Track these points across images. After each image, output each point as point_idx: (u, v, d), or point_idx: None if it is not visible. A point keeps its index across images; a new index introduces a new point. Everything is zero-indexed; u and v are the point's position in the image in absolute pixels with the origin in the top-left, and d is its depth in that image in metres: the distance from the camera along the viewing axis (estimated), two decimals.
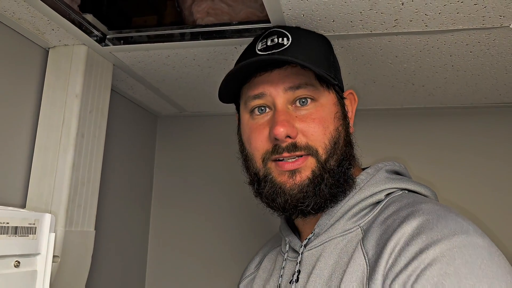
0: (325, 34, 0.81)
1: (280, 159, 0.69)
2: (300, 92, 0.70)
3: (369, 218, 0.68)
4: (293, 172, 0.68)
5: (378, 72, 0.99)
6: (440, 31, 0.78)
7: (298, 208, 0.68)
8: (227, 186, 1.38)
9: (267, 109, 0.72)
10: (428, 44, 0.84)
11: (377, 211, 0.68)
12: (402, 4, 0.70)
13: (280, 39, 0.73)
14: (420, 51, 0.87)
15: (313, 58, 0.72)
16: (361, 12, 0.73)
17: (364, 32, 0.80)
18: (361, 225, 0.68)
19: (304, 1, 0.70)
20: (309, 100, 0.70)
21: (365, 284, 0.59)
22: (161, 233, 1.40)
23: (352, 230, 0.68)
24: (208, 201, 1.39)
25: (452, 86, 1.07)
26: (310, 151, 0.68)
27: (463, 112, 1.25)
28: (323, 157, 0.69)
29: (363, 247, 0.63)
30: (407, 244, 0.57)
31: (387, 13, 0.73)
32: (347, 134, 0.73)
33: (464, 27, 0.76)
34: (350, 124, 0.76)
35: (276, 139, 0.68)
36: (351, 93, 0.79)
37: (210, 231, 1.37)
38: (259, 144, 0.71)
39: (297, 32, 0.76)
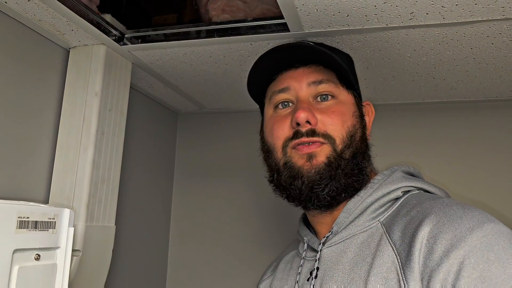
0: (340, 28, 0.80)
1: (299, 144, 0.71)
2: (322, 88, 0.74)
3: (389, 213, 0.70)
4: (310, 156, 0.70)
5: (396, 66, 0.97)
6: (458, 23, 0.76)
7: (314, 190, 0.70)
8: (248, 182, 1.38)
9: (290, 104, 0.76)
10: (447, 36, 0.82)
11: (396, 206, 0.70)
12: None
13: (305, 42, 0.78)
14: (439, 44, 0.85)
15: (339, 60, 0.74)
16: (375, 6, 0.72)
17: (380, 26, 0.78)
18: (381, 220, 0.69)
19: None
20: (329, 97, 0.74)
21: (400, 273, 0.60)
22: (182, 229, 1.42)
23: (372, 225, 0.70)
24: (229, 197, 1.40)
25: (475, 80, 1.04)
26: (328, 139, 0.71)
27: (488, 105, 1.21)
28: (340, 147, 0.71)
29: (389, 239, 0.65)
30: (440, 231, 0.58)
31: (402, 6, 0.71)
32: (364, 134, 0.76)
33: (483, 19, 0.74)
34: (367, 129, 0.79)
35: (297, 124, 0.71)
36: (368, 104, 0.83)
37: (231, 227, 1.38)
38: (280, 133, 0.74)
39: (322, 44, 0.83)
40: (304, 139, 0.71)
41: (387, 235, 0.66)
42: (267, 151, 0.78)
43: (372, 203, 0.71)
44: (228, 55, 0.96)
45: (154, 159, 1.34)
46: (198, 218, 1.41)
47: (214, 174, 1.43)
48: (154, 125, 1.35)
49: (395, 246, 0.63)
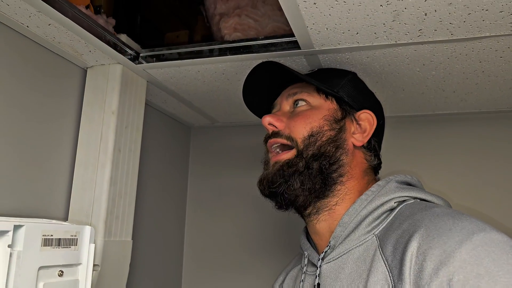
0: (350, 46, 0.82)
1: (271, 148, 0.81)
2: (296, 97, 0.83)
3: (383, 225, 0.70)
4: (275, 162, 0.79)
5: (406, 80, 0.99)
6: (466, 38, 0.77)
7: (271, 190, 0.77)
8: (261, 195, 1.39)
9: None
10: (456, 51, 0.83)
11: (390, 218, 0.70)
12: (425, 15, 0.70)
13: (274, 62, 0.86)
14: (448, 58, 0.87)
15: (320, 78, 0.85)
16: (384, 24, 0.74)
17: (389, 43, 0.80)
18: (376, 233, 0.70)
19: (327, 16, 0.72)
20: (301, 102, 0.82)
21: None
22: (195, 242, 1.43)
23: (367, 239, 0.70)
24: (242, 208, 1.41)
25: (485, 91, 1.05)
26: (291, 141, 0.78)
27: (499, 116, 1.22)
28: (301, 146, 0.77)
29: (382, 254, 0.65)
30: (429, 247, 0.57)
31: (411, 24, 0.73)
32: (337, 138, 0.78)
33: (491, 34, 0.75)
34: (358, 137, 0.80)
35: (265, 127, 0.82)
36: (367, 112, 0.82)
37: (245, 239, 1.39)
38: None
39: (326, 68, 0.94)
40: (271, 140, 0.80)
41: (380, 249, 0.66)
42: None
43: (366, 216, 0.71)
44: (240, 72, 0.98)
45: (168, 173, 1.37)
46: (212, 231, 1.43)
47: (227, 186, 1.45)
48: (168, 139, 1.38)
49: (387, 262, 0.63)
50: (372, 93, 0.90)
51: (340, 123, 0.80)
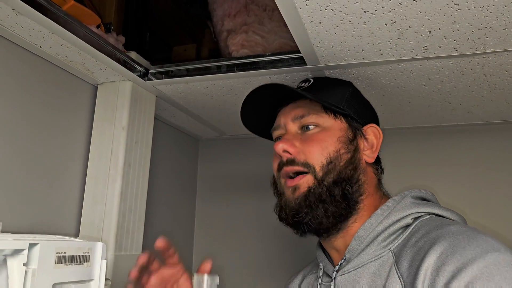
0: (355, 62, 0.83)
1: (292, 176, 0.76)
2: (305, 120, 0.79)
3: (399, 241, 0.70)
4: (294, 188, 0.76)
5: (412, 93, 1.00)
6: (471, 54, 0.78)
7: (295, 219, 0.74)
8: (269, 205, 1.40)
9: None
10: (461, 66, 0.84)
11: (406, 234, 0.71)
12: (430, 32, 0.71)
13: (304, 83, 0.84)
14: (453, 72, 0.87)
15: (322, 93, 0.81)
16: (389, 41, 0.75)
17: (394, 59, 0.81)
18: (392, 248, 0.70)
19: (332, 34, 0.73)
20: (312, 126, 0.78)
21: None
22: (204, 253, 1.44)
23: (383, 254, 0.70)
24: (250, 220, 1.42)
25: (491, 104, 1.05)
26: (309, 168, 0.75)
27: (505, 127, 1.22)
28: (320, 174, 0.74)
29: (397, 270, 0.65)
30: (442, 264, 0.58)
31: (415, 41, 0.74)
32: (354, 159, 0.77)
33: (495, 50, 0.76)
34: (368, 153, 0.80)
35: (279, 154, 0.77)
36: (373, 127, 0.82)
37: (253, 251, 1.40)
38: (274, 165, 0.81)
39: (322, 78, 0.89)
40: (286, 168, 0.76)
41: (395, 265, 0.66)
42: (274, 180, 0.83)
43: (382, 231, 0.72)
44: (248, 87, 1.00)
45: (176, 185, 1.38)
46: (220, 243, 1.44)
47: (234, 197, 1.46)
48: (176, 151, 1.40)
49: (402, 278, 0.64)
50: (368, 102, 0.89)
51: (354, 143, 0.79)
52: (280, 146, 0.76)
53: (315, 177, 0.74)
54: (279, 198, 0.79)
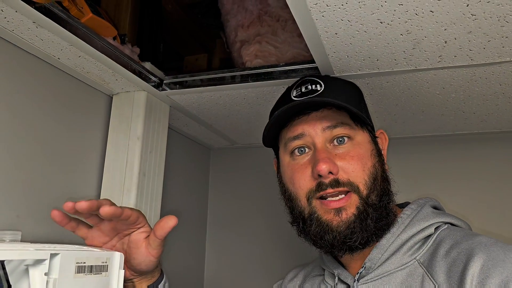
0: (370, 71, 0.83)
1: (325, 196, 0.72)
2: (338, 131, 0.74)
3: (424, 251, 0.71)
4: (338, 210, 0.71)
5: (426, 102, 1.00)
6: (486, 63, 0.78)
7: (347, 244, 0.71)
8: (280, 214, 1.40)
9: (307, 149, 0.76)
10: (476, 75, 0.84)
11: (430, 244, 0.72)
12: (445, 42, 0.71)
13: (314, 86, 0.78)
14: (467, 82, 0.87)
15: (347, 100, 0.76)
16: (404, 51, 0.75)
17: (409, 69, 0.81)
18: (417, 258, 0.71)
19: (347, 45, 0.73)
20: (346, 139, 0.74)
21: None
22: (216, 262, 1.44)
23: (409, 263, 0.71)
24: (261, 228, 1.42)
25: (505, 112, 1.05)
26: (352, 187, 0.71)
27: None
28: (365, 192, 0.72)
29: (433, 280, 0.66)
30: (486, 276, 0.60)
31: (431, 51, 0.74)
32: (384, 171, 0.77)
33: (511, 59, 0.76)
34: (384, 161, 0.79)
35: (319, 175, 0.71)
36: (382, 132, 0.83)
37: (265, 261, 1.39)
38: (302, 183, 0.74)
39: (328, 79, 0.82)
40: (330, 190, 0.71)
41: (429, 275, 0.67)
42: (288, 197, 0.78)
43: (407, 240, 0.72)
44: (261, 97, 1.00)
45: (188, 194, 1.39)
46: (233, 251, 1.44)
47: (245, 206, 1.46)
48: (188, 160, 1.40)
49: None
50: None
51: (381, 154, 0.78)
52: (324, 168, 0.69)
53: (360, 197, 0.71)
54: (310, 222, 0.73)
